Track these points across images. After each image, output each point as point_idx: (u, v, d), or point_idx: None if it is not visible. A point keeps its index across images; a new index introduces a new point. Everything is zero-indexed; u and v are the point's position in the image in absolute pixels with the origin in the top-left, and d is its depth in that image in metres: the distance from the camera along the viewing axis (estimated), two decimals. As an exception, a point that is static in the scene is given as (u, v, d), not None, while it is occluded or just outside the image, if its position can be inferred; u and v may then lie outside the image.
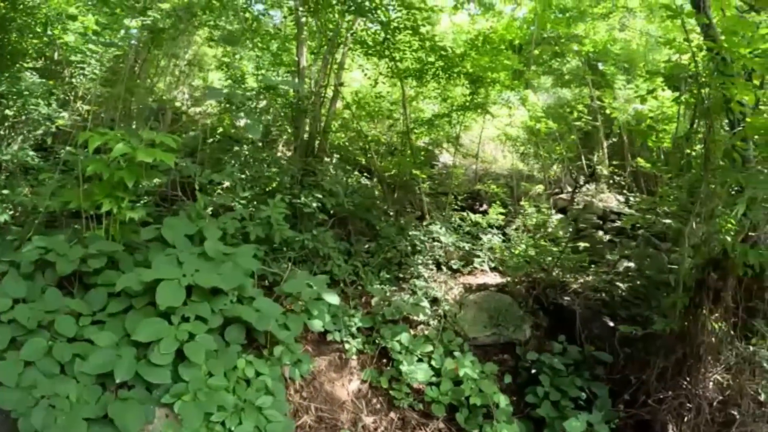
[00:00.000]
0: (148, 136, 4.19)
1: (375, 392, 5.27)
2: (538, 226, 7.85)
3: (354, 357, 5.43)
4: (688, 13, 4.53)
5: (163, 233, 4.10)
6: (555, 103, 10.88)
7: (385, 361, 5.48)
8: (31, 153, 5.81)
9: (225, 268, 3.95)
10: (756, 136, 3.86)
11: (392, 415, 5.07)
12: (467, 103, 7.86)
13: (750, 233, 4.08)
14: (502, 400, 4.85)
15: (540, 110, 8.77)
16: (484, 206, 8.68)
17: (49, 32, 7.52)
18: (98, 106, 7.46)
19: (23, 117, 6.54)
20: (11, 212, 4.67)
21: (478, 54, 7.67)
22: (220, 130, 7.86)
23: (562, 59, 10.63)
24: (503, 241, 7.38)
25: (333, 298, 4.75)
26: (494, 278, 7.19)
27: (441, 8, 7.69)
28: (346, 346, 5.36)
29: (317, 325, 4.69)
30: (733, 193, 4.14)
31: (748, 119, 3.88)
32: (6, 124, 6.70)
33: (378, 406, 5.17)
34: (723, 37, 4.15)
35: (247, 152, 6.80)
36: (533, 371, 5.42)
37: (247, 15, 8.25)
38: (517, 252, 7.04)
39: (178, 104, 9.21)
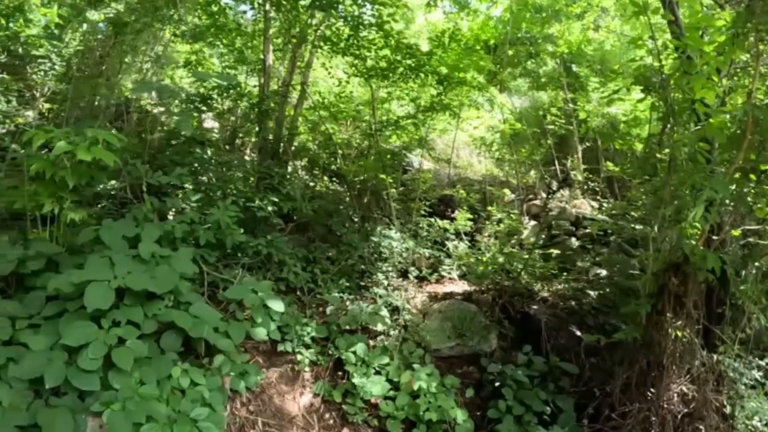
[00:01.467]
0: (93, 134, 3.93)
1: (328, 406, 4.99)
2: (509, 233, 7.65)
3: (307, 369, 5.11)
4: (653, 10, 4.37)
5: (100, 235, 3.86)
6: (531, 106, 10.75)
7: (340, 373, 5.20)
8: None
9: (159, 271, 3.71)
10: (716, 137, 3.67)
11: (345, 431, 4.79)
12: (434, 104, 7.64)
13: (713, 236, 3.91)
14: (460, 416, 4.61)
15: (509, 111, 8.59)
16: (456, 212, 8.46)
17: (11, 25, 7.23)
18: (59, 104, 7.16)
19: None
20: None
21: (445, 52, 7.48)
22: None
23: (537, 61, 10.50)
24: (470, 247, 7.15)
25: (278, 305, 4.48)
26: (463, 286, 6.96)
27: (407, 4, 7.48)
28: (298, 357, 5.06)
29: (261, 333, 4.43)
30: (695, 195, 3.96)
31: (710, 120, 3.71)
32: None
33: (331, 421, 4.90)
34: (687, 34, 4.00)
35: (209, 154, 6.54)
36: (497, 384, 5.16)
37: (214, 8, 8.02)
38: (484, 259, 6.81)
39: (143, 102, 8.91)
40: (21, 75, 7.53)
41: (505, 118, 8.41)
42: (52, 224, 4.23)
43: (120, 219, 4.45)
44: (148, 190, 4.85)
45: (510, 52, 10.46)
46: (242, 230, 5.17)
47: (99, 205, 5.38)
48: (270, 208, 5.45)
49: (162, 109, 9.45)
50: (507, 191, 8.47)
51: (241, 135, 8.30)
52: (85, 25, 8.02)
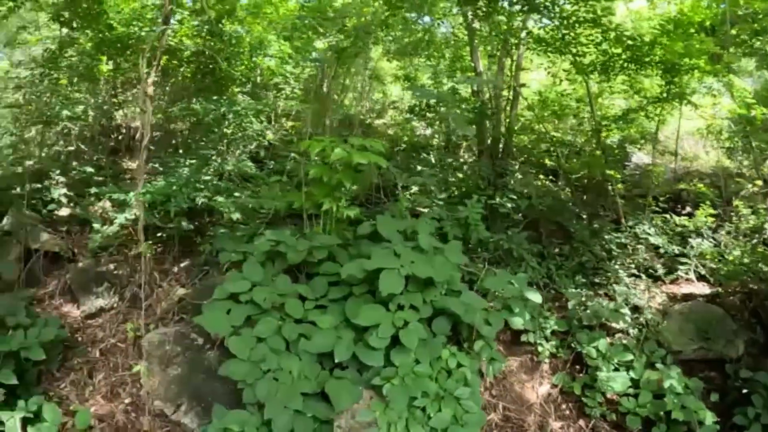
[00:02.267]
0: (358, 142, 4.58)
1: (565, 398, 5.13)
2: (754, 230, 6.88)
3: (546, 360, 5.32)
4: None
5: (378, 229, 4.43)
6: (762, 87, 9.45)
7: (578, 367, 5.28)
8: (250, 164, 6.67)
9: (437, 262, 4.13)
10: None
11: (581, 422, 4.90)
12: (663, 95, 7.19)
13: None
14: (709, 418, 4.44)
15: (749, 96, 7.66)
16: (688, 208, 7.83)
17: (253, 59, 8.61)
18: (299, 122, 8.32)
19: (239, 134, 7.54)
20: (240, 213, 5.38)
21: (670, 40, 7.00)
22: (405, 138, 8.24)
23: (764, 38, 9.18)
24: (714, 246, 6.59)
25: (535, 296, 4.70)
26: (702, 288, 6.45)
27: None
28: (539, 348, 5.27)
29: (518, 322, 4.68)
30: None
31: None
32: (225, 141, 7.81)
33: (567, 412, 5.04)
34: None
35: (433, 158, 7.05)
36: (744, 390, 4.82)
37: (418, 27, 8.60)
38: (731, 258, 6.24)
39: (362, 117, 9.90)
40: (264, 99, 8.87)
41: (740, 102, 7.52)
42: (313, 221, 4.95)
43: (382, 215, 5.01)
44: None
45: (732, 32, 9.34)
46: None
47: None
48: (509, 205, 5.70)
49: (381, 121, 10.42)
50: (758, 182, 7.58)
51: (454, 138, 8.74)
52: (314, 54, 9.15)
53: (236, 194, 5.14)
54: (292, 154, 5.51)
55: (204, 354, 4.65)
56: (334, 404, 3.72)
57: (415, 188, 6.63)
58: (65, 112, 6.56)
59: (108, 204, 6.52)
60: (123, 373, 5.03)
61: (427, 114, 7.86)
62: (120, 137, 8.55)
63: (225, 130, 7.76)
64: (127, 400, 4.77)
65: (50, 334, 4.66)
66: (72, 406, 4.52)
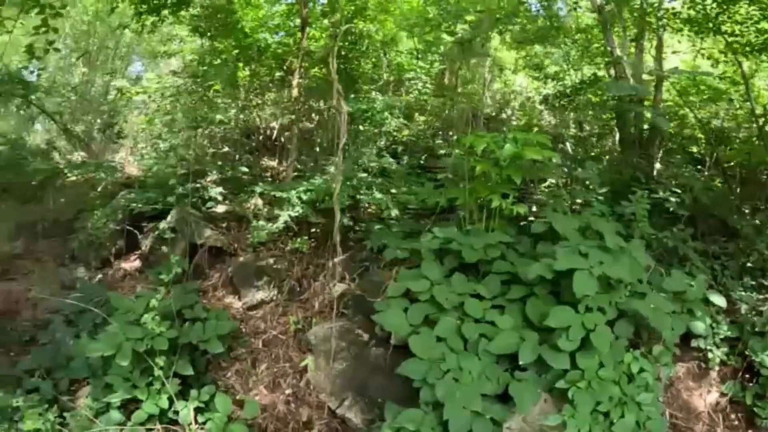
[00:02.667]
0: (521, 136, 4.48)
1: (734, 407, 4.84)
2: None
3: (716, 367, 4.96)
4: None
5: (554, 227, 4.29)
6: None
7: (748, 375, 4.89)
8: (390, 159, 6.78)
9: (623, 261, 3.95)
10: None
11: None
12: None
13: None
14: None
15: None
16: None
17: (385, 56, 8.75)
18: (431, 117, 8.36)
19: (376, 130, 7.70)
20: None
21: None
22: (535, 130, 8.01)
23: None
24: None
25: (719, 300, 4.40)
26: None
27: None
28: (709, 355, 4.91)
29: (699, 327, 4.43)
30: None
31: None
32: (361, 137, 8.01)
33: (736, 422, 4.77)
34: None
35: (570, 149, 6.79)
36: None
37: (548, 13, 8.29)
38: None
39: (488, 110, 9.75)
40: (396, 95, 8.97)
41: None
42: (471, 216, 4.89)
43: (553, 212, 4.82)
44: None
45: None
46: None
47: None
48: (673, 199, 5.36)
49: (506, 113, 10.24)
50: None
51: (588, 128, 8.38)
52: (441, 47, 9.13)
53: (392, 191, 5.22)
54: (455, 151, 5.45)
55: (369, 350, 4.77)
56: (518, 406, 3.67)
57: (551, 181, 6.42)
58: (218, 116, 7.00)
59: (260, 201, 6.90)
60: (284, 364, 5.25)
61: (562, 104, 7.59)
62: (260, 138, 9.01)
63: (360, 127, 7.99)
64: (288, 391, 4.98)
65: (225, 327, 4.96)
66: (238, 396, 4.76)
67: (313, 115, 8.28)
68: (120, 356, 4.20)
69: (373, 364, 4.67)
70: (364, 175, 5.88)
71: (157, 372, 4.28)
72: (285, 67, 8.76)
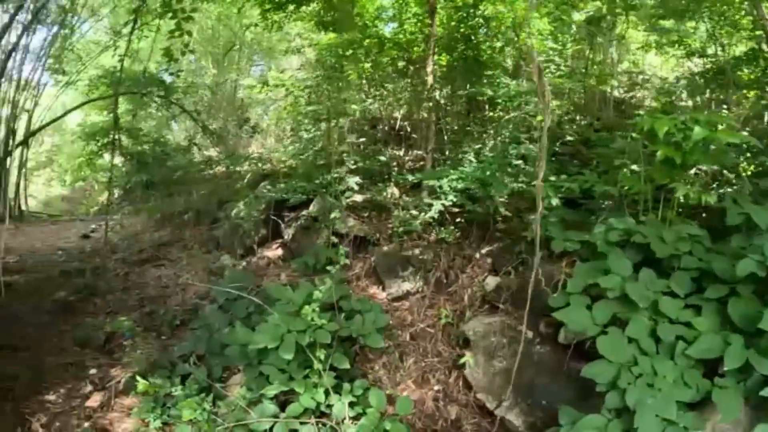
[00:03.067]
0: (708, 119, 4.03)
1: None
2: None
3: None
4: None
5: (754, 218, 3.83)
6: None
7: None
8: (530, 146, 6.47)
9: None
10: None
11: None
12: None
13: None
14: None
15: None
16: None
17: (516, 38, 8.40)
18: (565, 100, 7.93)
19: (506, 117, 7.40)
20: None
21: None
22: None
23: None
24: None
25: None
26: None
27: None
28: None
29: None
30: None
31: None
32: (493, 124, 7.75)
33: None
34: None
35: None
36: None
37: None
38: None
39: (616, 93, 9.13)
40: (525, 78, 8.60)
41: None
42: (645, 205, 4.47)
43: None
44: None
45: None
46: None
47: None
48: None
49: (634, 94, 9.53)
50: None
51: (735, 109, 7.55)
52: (573, 27, 8.61)
53: (551, 178, 4.93)
54: (633, 134, 5.02)
55: (533, 348, 4.49)
56: (722, 415, 3.29)
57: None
58: (354, 107, 7.04)
59: (396, 190, 6.87)
60: (433, 359, 5.10)
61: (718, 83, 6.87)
62: (385, 128, 9.02)
63: (491, 113, 7.73)
64: (436, 387, 4.82)
65: (383, 320, 4.87)
66: (387, 391, 4.63)
67: (443, 102, 8.06)
68: (283, 349, 4.19)
69: (537, 363, 4.41)
70: (519, 162, 5.60)
71: (317, 365, 4.26)
72: (406, 58, 8.69)
